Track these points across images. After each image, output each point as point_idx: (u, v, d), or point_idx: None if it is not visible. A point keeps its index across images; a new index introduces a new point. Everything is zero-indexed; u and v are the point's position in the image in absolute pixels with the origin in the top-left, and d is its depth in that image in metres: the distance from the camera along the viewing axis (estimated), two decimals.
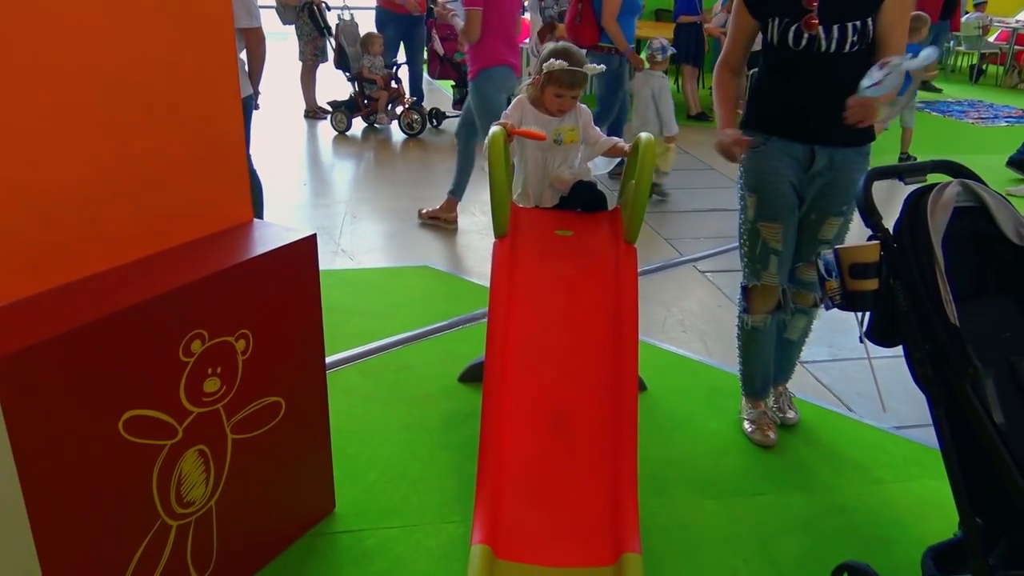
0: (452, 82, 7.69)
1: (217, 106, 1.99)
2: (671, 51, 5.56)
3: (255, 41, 3.59)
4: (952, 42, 10.75)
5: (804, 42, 2.36)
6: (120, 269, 1.79)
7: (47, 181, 1.63)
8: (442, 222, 4.83)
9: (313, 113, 7.63)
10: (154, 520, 1.80)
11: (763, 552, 2.27)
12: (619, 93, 5.53)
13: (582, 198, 2.68)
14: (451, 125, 7.35)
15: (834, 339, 3.51)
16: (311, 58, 7.39)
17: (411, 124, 7.05)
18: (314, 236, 2.07)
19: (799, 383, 3.15)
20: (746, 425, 2.83)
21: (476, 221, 4.93)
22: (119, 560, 1.74)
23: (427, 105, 7.44)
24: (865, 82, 2.20)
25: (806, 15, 2.33)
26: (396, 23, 7.22)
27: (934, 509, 2.44)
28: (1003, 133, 7.80)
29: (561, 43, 2.65)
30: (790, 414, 2.90)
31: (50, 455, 1.54)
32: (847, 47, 2.34)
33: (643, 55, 5.86)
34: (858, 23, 2.31)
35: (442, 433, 2.75)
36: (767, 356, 2.79)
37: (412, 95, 7.42)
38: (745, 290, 2.70)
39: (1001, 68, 10.95)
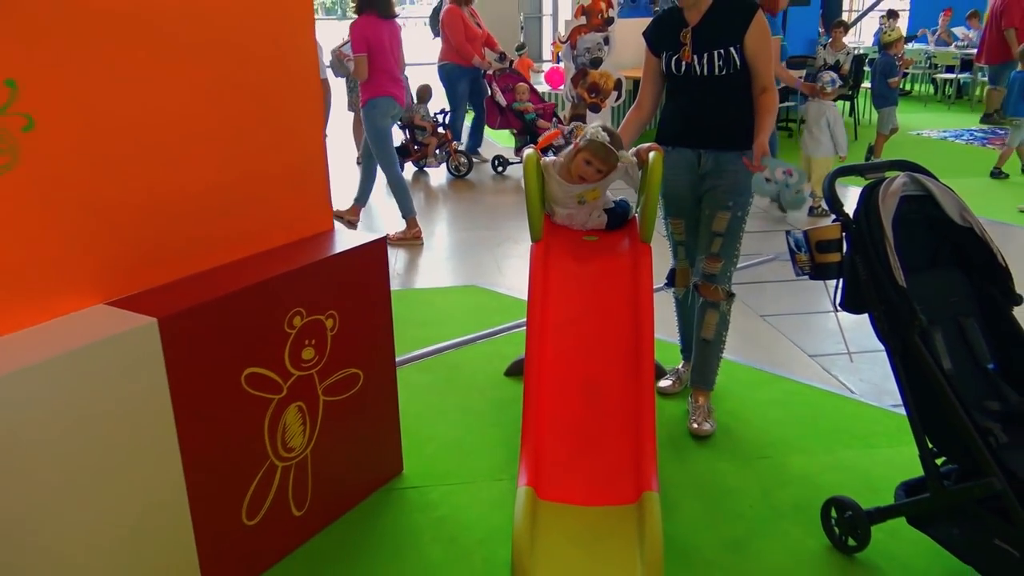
0: (513, 130, 8.09)
1: (306, 140, 2.51)
2: (839, 83, 6.21)
3: (322, 91, 4.16)
4: None
5: (683, 69, 2.94)
6: (237, 261, 2.30)
7: (186, 195, 2.15)
8: (345, 222, 5.72)
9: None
10: (265, 459, 2.27)
11: (765, 499, 2.66)
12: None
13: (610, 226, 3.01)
14: (515, 171, 7.87)
15: (836, 335, 3.88)
16: (360, 108, 8.01)
17: (458, 167, 7.62)
18: (384, 238, 2.57)
19: (807, 372, 3.55)
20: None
21: (519, 248, 5.42)
22: (240, 488, 2.22)
23: (487, 153, 8.05)
24: (770, 170, 2.78)
25: (682, 48, 2.92)
26: (467, 76, 7.80)
27: (920, 467, 2.80)
28: None
29: (609, 127, 2.92)
30: (705, 426, 3.06)
31: (196, 397, 2.02)
32: (716, 71, 2.88)
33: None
34: (722, 51, 2.86)
35: (490, 415, 3.20)
36: (689, 325, 3.33)
37: (472, 140, 8.06)
38: (671, 270, 3.31)
39: None
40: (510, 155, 8.04)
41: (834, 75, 6.22)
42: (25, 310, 1.85)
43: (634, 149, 2.97)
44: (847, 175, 2.41)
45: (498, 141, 9.00)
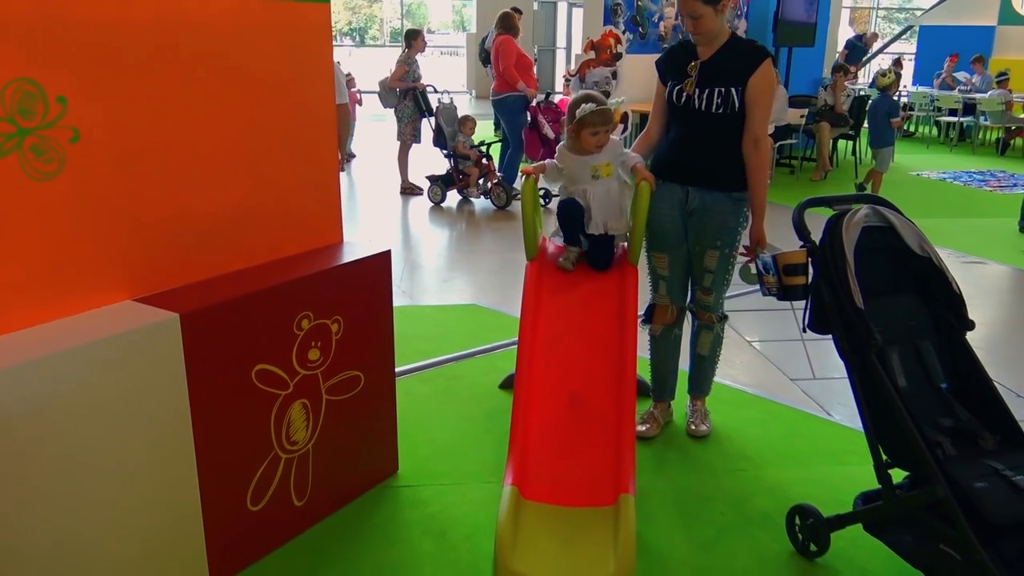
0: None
1: (320, 158, 2.72)
2: None
3: (341, 114, 4.41)
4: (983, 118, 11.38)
5: (683, 100, 3.02)
6: (254, 267, 2.51)
7: (210, 204, 2.37)
8: None
9: (408, 190, 8.23)
10: (270, 451, 2.46)
11: (737, 508, 2.84)
12: None
13: (599, 254, 3.14)
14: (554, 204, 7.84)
15: (818, 360, 4.06)
16: (409, 138, 8.03)
17: (498, 197, 7.71)
18: (389, 251, 2.78)
19: (788, 394, 3.72)
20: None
21: (521, 272, 5.61)
22: (246, 475, 2.41)
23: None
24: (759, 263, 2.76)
25: (687, 79, 3.01)
26: (526, 108, 7.79)
27: None
28: (1019, 199, 8.25)
29: (582, 92, 3.16)
30: (703, 427, 3.32)
31: (210, 388, 2.22)
32: (714, 108, 2.95)
33: None
34: (723, 90, 2.93)
35: (484, 423, 3.39)
36: (663, 364, 3.37)
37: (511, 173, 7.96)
38: (649, 306, 3.31)
39: None
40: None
41: None
42: (61, 303, 2.06)
43: (639, 159, 3.12)
44: (816, 206, 2.61)
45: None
